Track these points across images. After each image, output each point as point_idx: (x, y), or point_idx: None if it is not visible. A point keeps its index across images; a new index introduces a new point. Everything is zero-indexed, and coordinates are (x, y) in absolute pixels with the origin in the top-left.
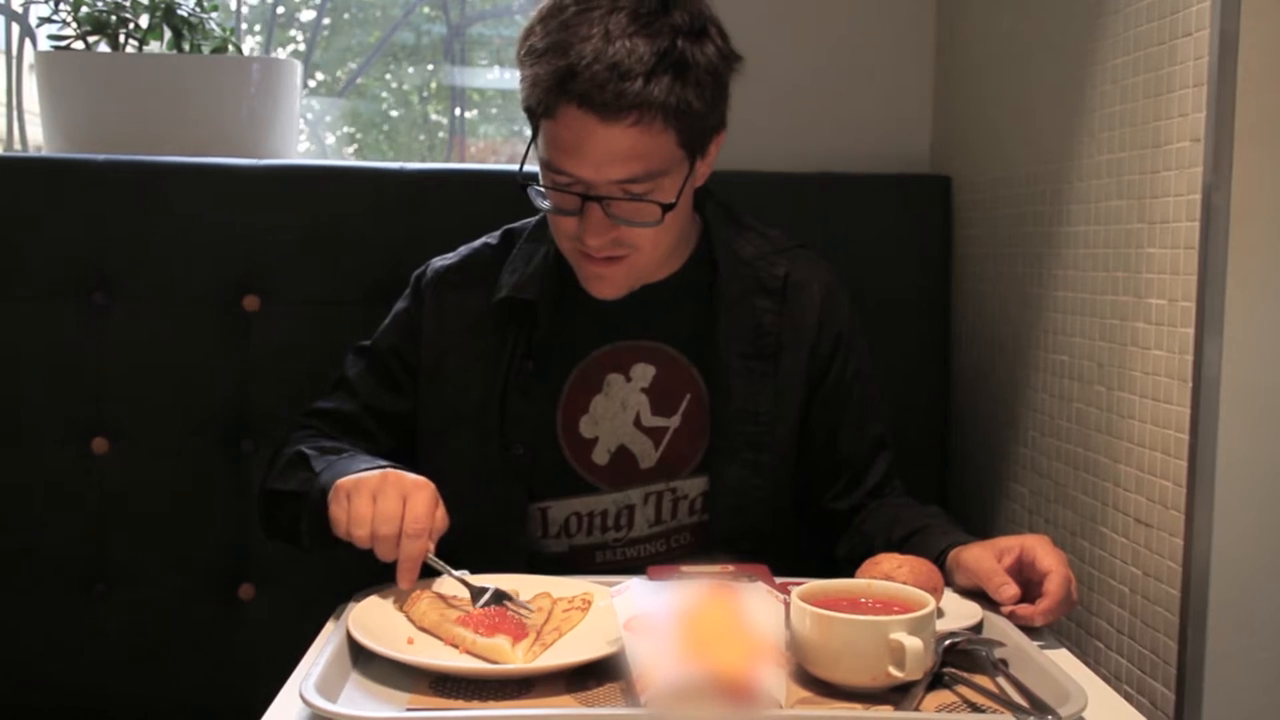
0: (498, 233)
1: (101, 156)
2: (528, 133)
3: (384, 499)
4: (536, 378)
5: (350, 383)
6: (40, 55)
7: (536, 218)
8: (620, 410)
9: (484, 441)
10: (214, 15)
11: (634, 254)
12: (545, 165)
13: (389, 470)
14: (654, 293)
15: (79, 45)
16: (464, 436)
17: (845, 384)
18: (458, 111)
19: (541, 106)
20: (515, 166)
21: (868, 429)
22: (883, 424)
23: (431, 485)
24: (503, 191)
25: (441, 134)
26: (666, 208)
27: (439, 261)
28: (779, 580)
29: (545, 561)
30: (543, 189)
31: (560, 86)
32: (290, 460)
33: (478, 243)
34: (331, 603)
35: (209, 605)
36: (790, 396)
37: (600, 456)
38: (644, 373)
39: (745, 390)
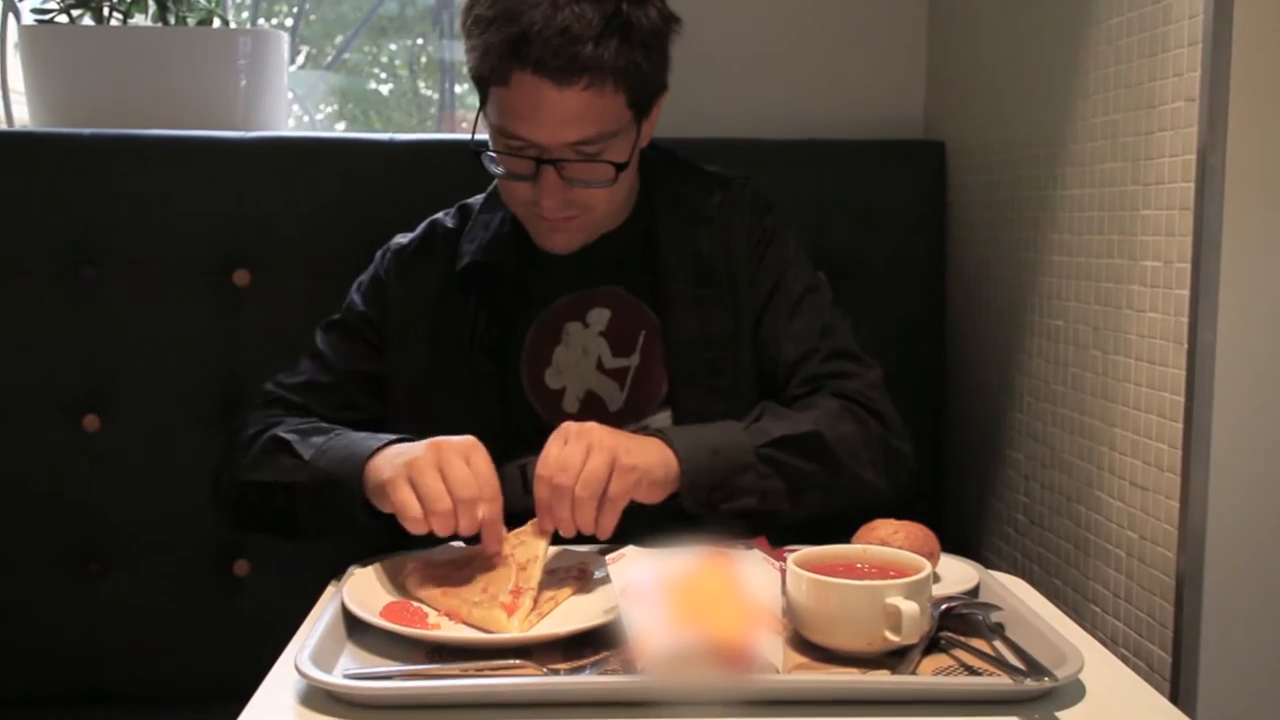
0: (453, 209)
1: (88, 131)
2: None
3: (451, 468)
4: (500, 339)
5: (324, 355)
6: (24, 30)
7: (489, 189)
8: (582, 357)
9: (453, 406)
10: None
11: (587, 213)
12: (498, 131)
13: (432, 441)
14: (603, 243)
15: (63, 19)
16: (433, 403)
17: (791, 301)
18: (447, 85)
19: (494, 74)
20: None
21: (807, 338)
22: (836, 338)
23: (477, 441)
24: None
25: (432, 109)
26: (620, 167)
27: (399, 238)
28: (775, 548)
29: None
30: (495, 154)
31: (513, 53)
32: (265, 448)
33: (434, 218)
34: (326, 576)
35: (204, 581)
36: (739, 319)
37: (570, 405)
38: (600, 317)
39: (695, 318)
